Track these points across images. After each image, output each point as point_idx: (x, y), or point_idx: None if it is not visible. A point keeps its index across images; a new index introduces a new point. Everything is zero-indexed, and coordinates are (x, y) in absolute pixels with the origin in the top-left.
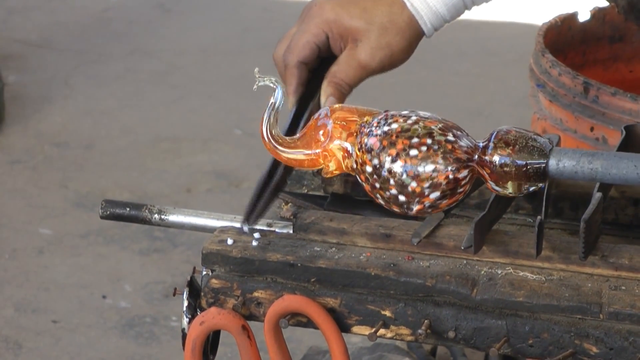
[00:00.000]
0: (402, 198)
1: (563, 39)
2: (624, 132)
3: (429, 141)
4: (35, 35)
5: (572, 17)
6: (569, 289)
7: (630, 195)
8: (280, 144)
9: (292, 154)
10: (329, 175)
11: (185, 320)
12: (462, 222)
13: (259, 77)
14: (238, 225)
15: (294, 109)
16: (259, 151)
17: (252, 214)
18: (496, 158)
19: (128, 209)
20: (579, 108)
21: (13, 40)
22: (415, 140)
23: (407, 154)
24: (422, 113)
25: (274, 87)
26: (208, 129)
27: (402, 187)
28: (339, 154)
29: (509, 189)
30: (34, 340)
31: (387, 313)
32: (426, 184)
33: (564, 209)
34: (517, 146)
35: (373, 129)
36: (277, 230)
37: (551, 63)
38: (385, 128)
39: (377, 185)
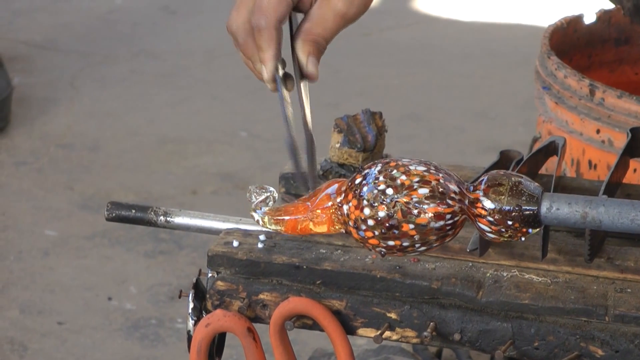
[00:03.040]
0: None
1: (569, 41)
2: (630, 135)
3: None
4: (41, 37)
5: (578, 19)
6: (575, 292)
7: (636, 197)
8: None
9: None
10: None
11: (190, 323)
12: (468, 225)
13: (253, 191)
14: (243, 227)
15: (280, 80)
16: (264, 153)
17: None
18: (487, 205)
19: (133, 211)
20: (585, 110)
21: (18, 42)
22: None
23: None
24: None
25: (272, 195)
26: (213, 131)
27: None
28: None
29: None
30: (39, 342)
31: (393, 315)
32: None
33: None
34: (507, 194)
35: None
36: None
37: (557, 65)
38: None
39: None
